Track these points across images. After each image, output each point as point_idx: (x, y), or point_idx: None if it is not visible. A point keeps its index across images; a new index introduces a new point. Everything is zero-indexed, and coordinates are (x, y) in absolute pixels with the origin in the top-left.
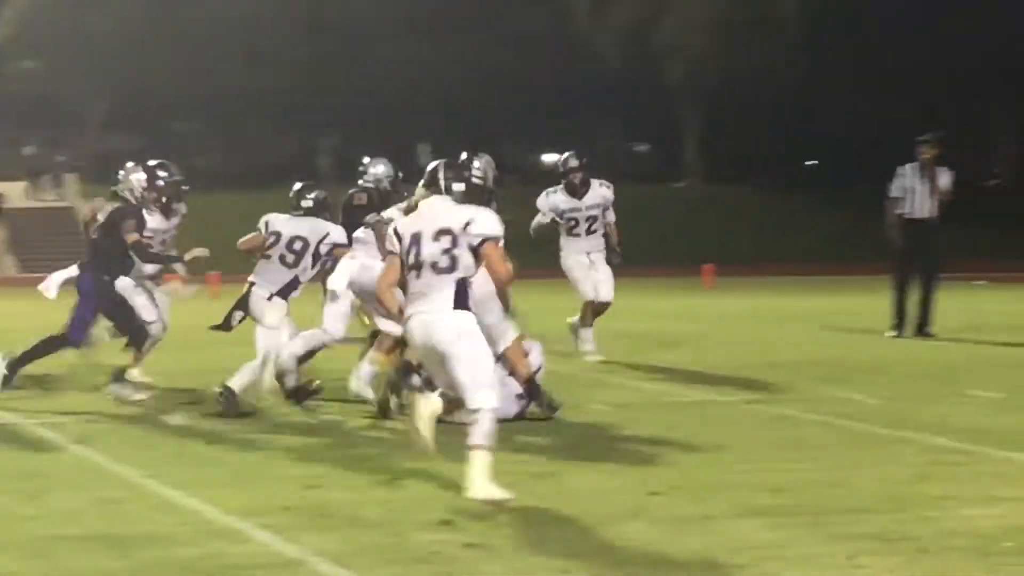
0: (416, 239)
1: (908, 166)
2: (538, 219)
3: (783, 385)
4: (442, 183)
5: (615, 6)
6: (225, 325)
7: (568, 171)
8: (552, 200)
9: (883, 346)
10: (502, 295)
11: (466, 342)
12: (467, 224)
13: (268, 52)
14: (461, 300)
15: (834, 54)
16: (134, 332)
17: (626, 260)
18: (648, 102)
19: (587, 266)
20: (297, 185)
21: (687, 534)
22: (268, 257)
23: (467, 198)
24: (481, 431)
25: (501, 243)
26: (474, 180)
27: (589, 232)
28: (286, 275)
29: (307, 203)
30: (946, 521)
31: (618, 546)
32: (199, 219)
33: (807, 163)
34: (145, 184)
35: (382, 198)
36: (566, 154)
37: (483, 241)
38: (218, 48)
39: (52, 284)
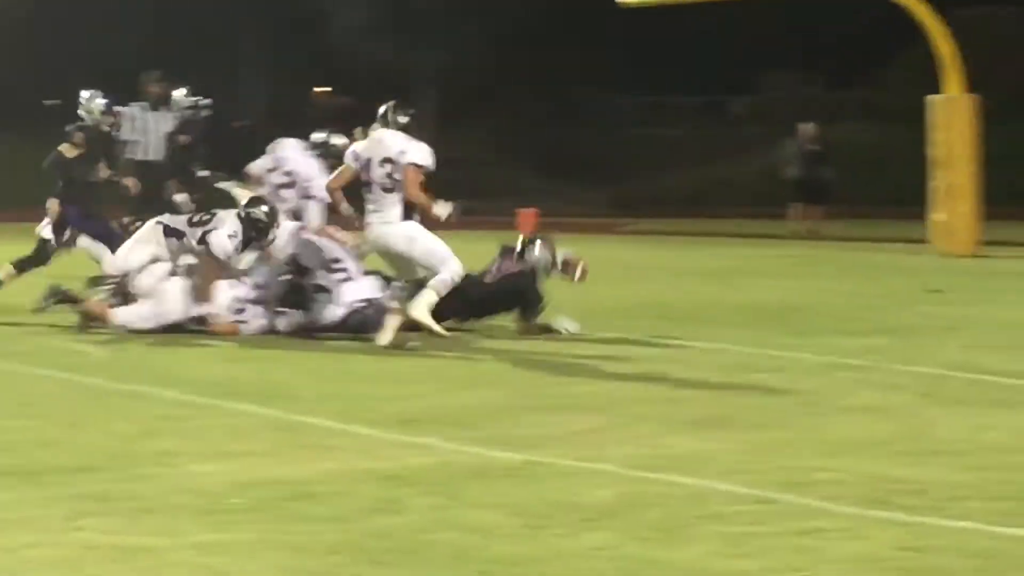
0: (368, 163)
1: (136, 105)
2: None
3: (16, 337)
4: (389, 118)
5: None
6: None
7: None
8: None
9: None
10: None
11: (418, 243)
12: (401, 152)
13: None
14: (406, 214)
15: None
16: None
17: None
18: None
19: None
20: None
21: None
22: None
23: (407, 130)
24: (443, 282)
25: (421, 170)
26: None
27: None
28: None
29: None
30: (172, 478)
31: None
32: None
33: (47, 102)
34: None
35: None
36: None
37: (409, 165)
38: None
39: None
